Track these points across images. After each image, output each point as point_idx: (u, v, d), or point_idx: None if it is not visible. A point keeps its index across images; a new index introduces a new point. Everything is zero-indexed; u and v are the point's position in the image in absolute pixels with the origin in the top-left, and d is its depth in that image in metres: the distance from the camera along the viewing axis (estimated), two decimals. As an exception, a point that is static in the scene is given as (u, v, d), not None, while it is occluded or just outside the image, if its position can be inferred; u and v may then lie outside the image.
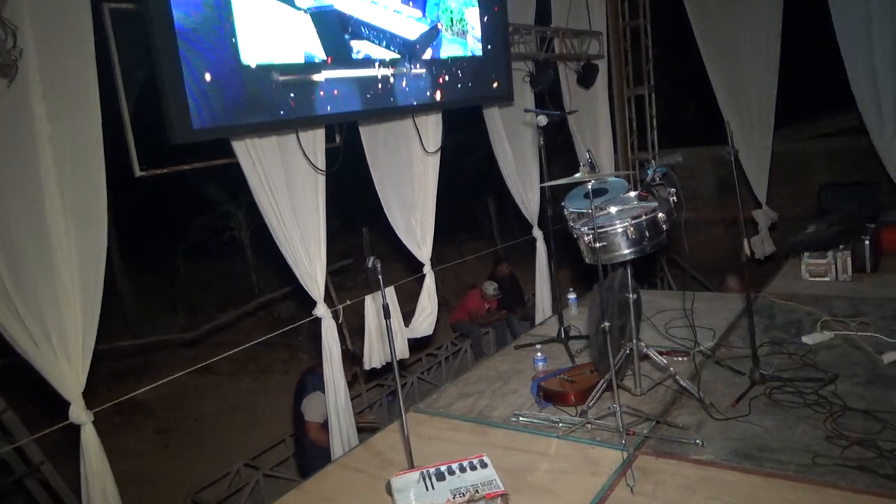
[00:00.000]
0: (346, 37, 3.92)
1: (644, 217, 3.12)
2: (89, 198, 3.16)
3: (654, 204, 3.24)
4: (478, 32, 4.83)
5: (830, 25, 6.18)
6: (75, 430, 3.13)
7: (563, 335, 4.41)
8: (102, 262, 3.22)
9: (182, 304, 10.73)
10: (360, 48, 4.00)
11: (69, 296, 3.07)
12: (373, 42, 4.06)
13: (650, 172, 3.39)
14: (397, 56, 4.22)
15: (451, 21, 4.58)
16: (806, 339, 3.93)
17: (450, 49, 4.60)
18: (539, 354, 4.06)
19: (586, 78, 6.62)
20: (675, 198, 3.29)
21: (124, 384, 7.13)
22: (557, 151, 7.99)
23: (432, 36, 4.45)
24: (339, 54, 3.87)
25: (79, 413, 3.08)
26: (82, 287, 3.11)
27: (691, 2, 6.96)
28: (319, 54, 3.76)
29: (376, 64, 4.08)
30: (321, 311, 4.25)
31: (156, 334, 9.10)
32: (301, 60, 3.69)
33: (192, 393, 7.77)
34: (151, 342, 8.66)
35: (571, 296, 5.26)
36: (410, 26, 4.31)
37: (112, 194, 3.26)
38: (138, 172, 3.51)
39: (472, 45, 4.79)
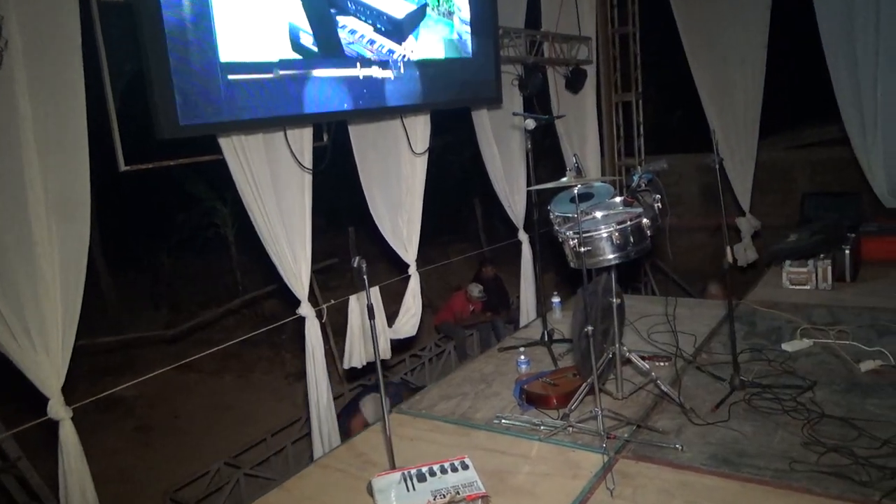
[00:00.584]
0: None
1: (629, 223, 3.14)
2: (72, 191, 3.13)
3: (640, 210, 3.27)
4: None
5: (817, 37, 6.27)
6: (53, 426, 3.10)
7: (546, 338, 4.44)
8: (84, 256, 3.20)
9: (165, 300, 10.64)
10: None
11: (50, 290, 3.04)
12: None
13: (636, 178, 3.42)
14: (387, 53, 4.22)
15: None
16: (786, 347, 3.98)
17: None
18: (522, 357, 4.07)
19: (575, 83, 6.66)
20: (659, 204, 3.32)
21: (104, 381, 7.06)
22: (545, 155, 8.00)
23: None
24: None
25: (58, 409, 3.05)
26: (63, 281, 3.08)
27: (680, 11, 7.02)
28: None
29: (358, 63, 4.06)
30: (305, 310, 4.24)
31: (138, 330, 9.02)
32: (289, 53, 3.67)
33: (173, 390, 7.70)
34: (133, 338, 8.58)
35: (555, 299, 5.28)
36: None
37: (96, 189, 3.24)
38: (123, 167, 3.48)
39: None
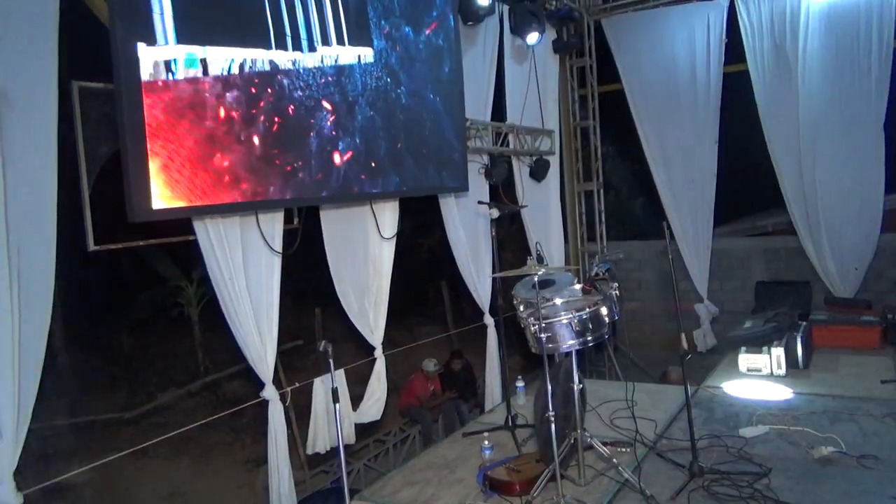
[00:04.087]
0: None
1: (587, 310, 3.27)
2: (37, 269, 3.12)
3: (598, 297, 3.41)
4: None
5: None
6: (2, 513, 2.98)
7: (510, 423, 4.45)
8: (44, 336, 3.17)
9: (122, 381, 10.31)
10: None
11: (5, 374, 2.96)
12: None
13: (595, 267, 3.57)
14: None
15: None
16: (743, 432, 4.07)
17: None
18: (486, 443, 4.06)
19: (538, 172, 6.94)
20: (617, 292, 3.47)
21: (55, 465, 6.75)
22: (512, 239, 8.23)
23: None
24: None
25: (8, 495, 2.94)
26: (23, 362, 3.03)
27: (637, 108, 7.46)
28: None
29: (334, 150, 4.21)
30: (269, 392, 4.19)
31: (94, 412, 8.70)
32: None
33: (125, 476, 7.37)
34: (87, 421, 8.26)
35: (520, 384, 5.32)
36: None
37: (61, 266, 3.24)
38: (92, 247, 3.50)
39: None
